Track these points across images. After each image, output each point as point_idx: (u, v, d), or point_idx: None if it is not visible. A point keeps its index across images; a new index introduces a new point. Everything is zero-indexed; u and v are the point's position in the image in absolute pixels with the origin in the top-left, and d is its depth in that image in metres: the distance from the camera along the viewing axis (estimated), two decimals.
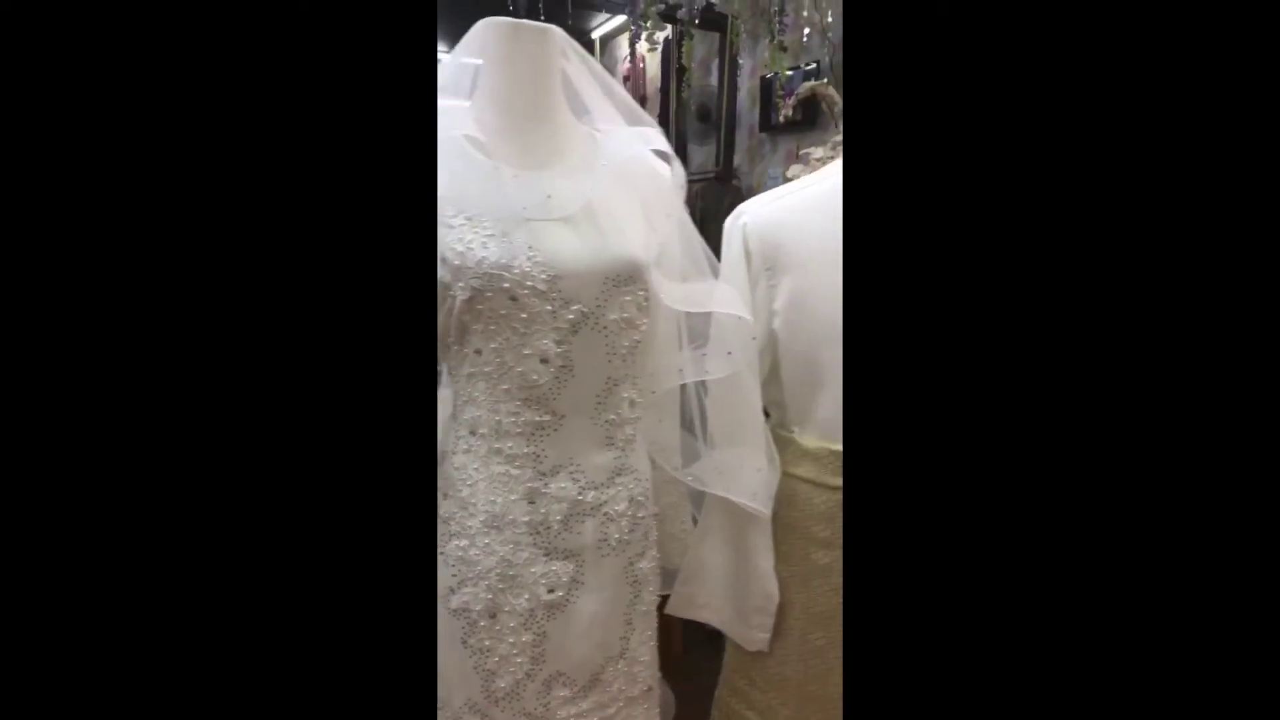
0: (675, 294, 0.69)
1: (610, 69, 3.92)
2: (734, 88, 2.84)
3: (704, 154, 3.04)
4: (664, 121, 3.21)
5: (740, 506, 0.79)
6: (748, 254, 0.78)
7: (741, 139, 2.85)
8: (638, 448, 0.72)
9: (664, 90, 3.22)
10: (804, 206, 0.79)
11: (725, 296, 0.72)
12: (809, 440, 0.80)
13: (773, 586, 0.82)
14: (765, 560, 0.82)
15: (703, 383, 0.79)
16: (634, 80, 3.59)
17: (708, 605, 0.86)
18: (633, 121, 0.72)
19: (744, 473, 0.77)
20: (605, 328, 0.65)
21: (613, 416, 0.69)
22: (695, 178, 2.67)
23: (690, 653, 1.10)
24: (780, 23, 2.26)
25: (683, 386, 0.79)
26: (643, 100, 3.57)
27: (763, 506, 0.77)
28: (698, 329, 0.76)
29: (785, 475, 0.82)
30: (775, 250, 0.77)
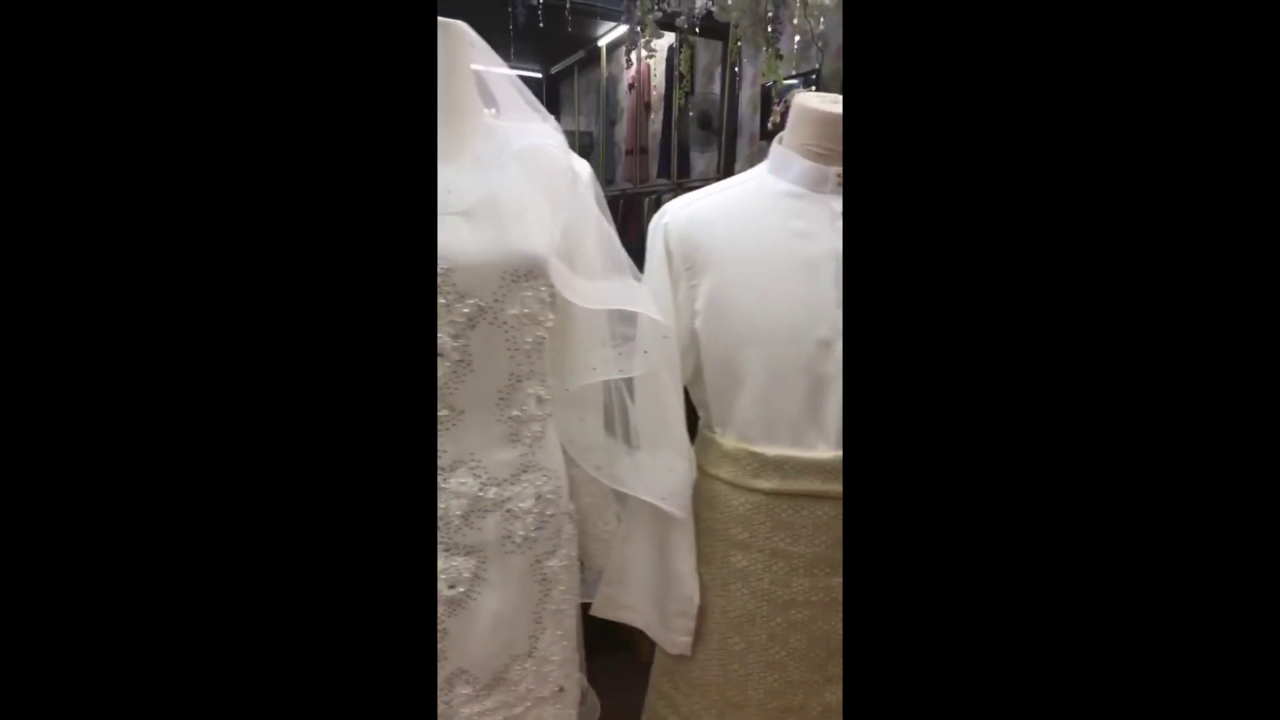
0: (581, 290, 0.69)
1: (617, 77, 3.94)
2: (735, 95, 2.84)
3: (706, 161, 3.05)
4: (666, 128, 3.23)
5: (644, 505, 0.78)
6: (669, 254, 0.78)
7: (743, 146, 2.85)
8: (548, 445, 0.72)
9: (667, 98, 3.24)
10: (724, 207, 0.79)
11: (634, 295, 0.72)
12: (729, 441, 0.79)
13: (692, 589, 0.81)
14: (685, 563, 0.81)
15: (628, 384, 0.79)
16: (638, 88, 3.60)
17: (632, 608, 0.86)
18: (539, 114, 0.72)
19: (661, 474, 0.77)
20: (505, 323, 0.65)
21: (517, 413, 0.69)
22: (697, 185, 2.67)
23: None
24: (775, 31, 2.26)
25: (608, 388, 0.79)
26: (646, 108, 3.59)
27: (677, 508, 0.76)
28: (624, 329, 0.76)
29: (706, 476, 0.81)
30: (694, 250, 0.77)
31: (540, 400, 0.71)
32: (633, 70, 3.52)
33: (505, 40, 2.83)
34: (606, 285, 0.72)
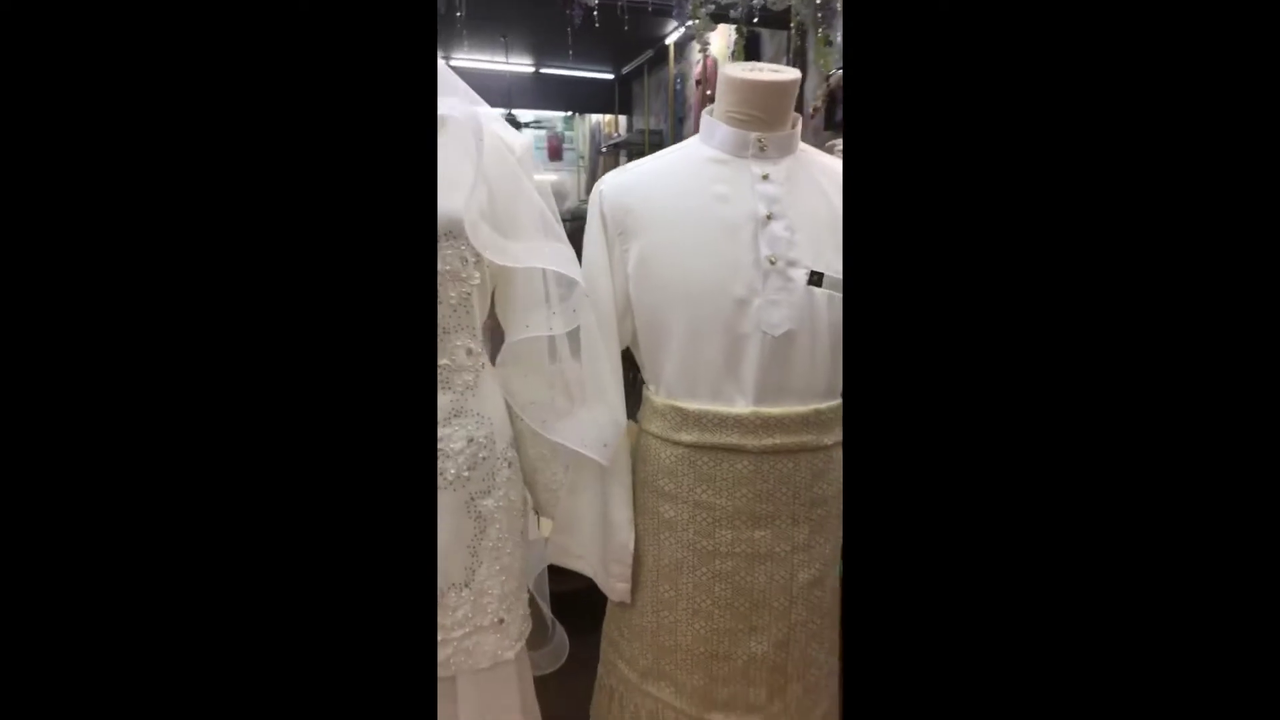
0: (503, 250, 0.75)
1: (686, 74, 3.99)
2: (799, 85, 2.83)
3: None
4: None
5: (588, 460, 0.84)
6: (603, 220, 0.83)
7: (807, 136, 2.83)
8: (482, 394, 0.79)
9: None
10: (654, 174, 0.83)
11: (555, 256, 0.78)
12: (659, 398, 0.83)
13: (627, 537, 0.86)
14: (620, 512, 0.86)
15: (572, 342, 0.84)
16: (704, 83, 3.63)
17: (581, 556, 0.91)
18: (475, 101, 0.79)
19: (590, 426, 0.82)
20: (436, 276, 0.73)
21: (447, 361, 0.76)
22: None
23: None
24: (826, 18, 2.24)
25: (553, 345, 0.85)
26: (710, 99, 3.61)
27: (602, 458, 0.81)
28: (563, 291, 0.82)
29: (643, 432, 0.86)
30: (625, 215, 0.82)
31: (470, 352, 0.78)
32: (699, 66, 3.56)
33: (563, 42, 2.94)
34: (529, 246, 0.78)
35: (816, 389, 0.80)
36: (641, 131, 4.34)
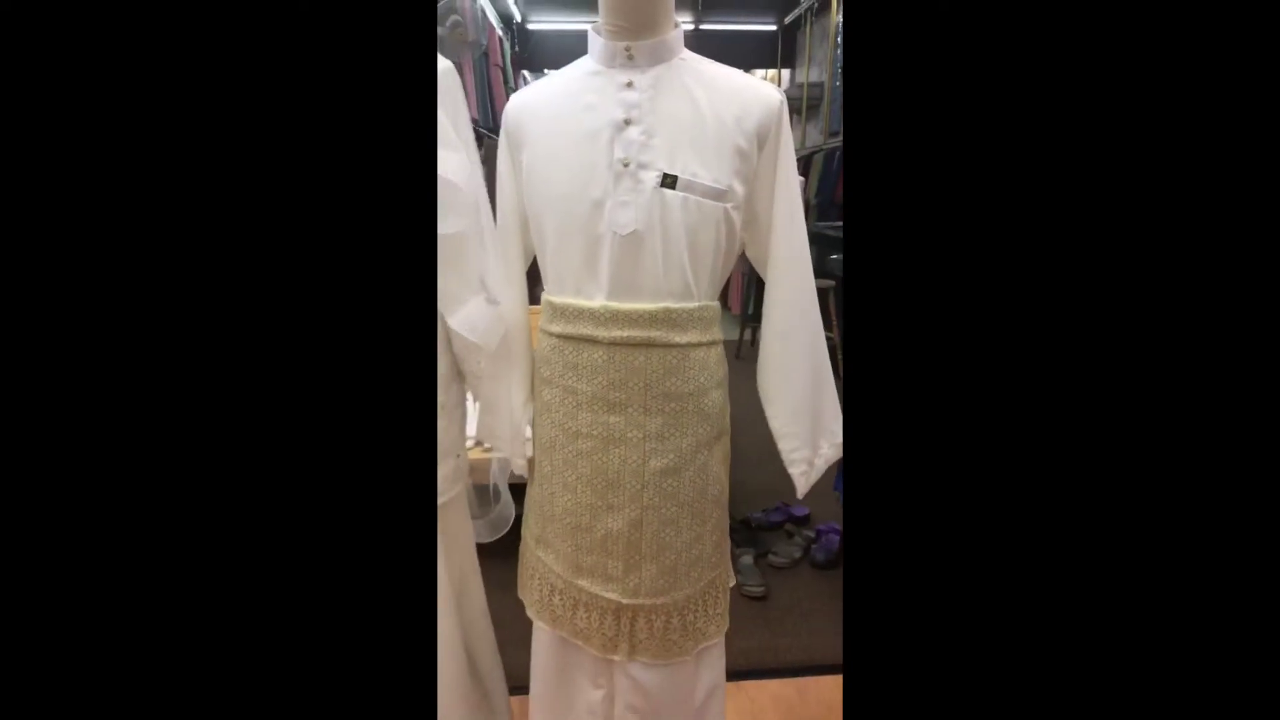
0: None
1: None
2: None
3: None
4: None
5: (504, 350, 0.96)
6: (506, 136, 0.94)
7: None
8: None
9: None
10: (543, 90, 0.92)
11: (444, 161, 0.90)
12: (544, 294, 0.93)
13: (520, 418, 0.98)
14: (516, 395, 0.98)
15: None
16: None
17: (501, 436, 1.05)
18: None
19: (476, 313, 0.94)
20: None
21: None
22: None
23: None
24: None
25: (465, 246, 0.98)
26: None
27: (475, 337, 0.93)
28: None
29: (541, 329, 0.97)
30: (518, 130, 0.92)
31: None
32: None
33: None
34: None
35: (669, 288, 0.85)
36: (801, 85, 4.20)
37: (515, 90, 5.07)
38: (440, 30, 3.49)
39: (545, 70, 5.65)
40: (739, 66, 0.97)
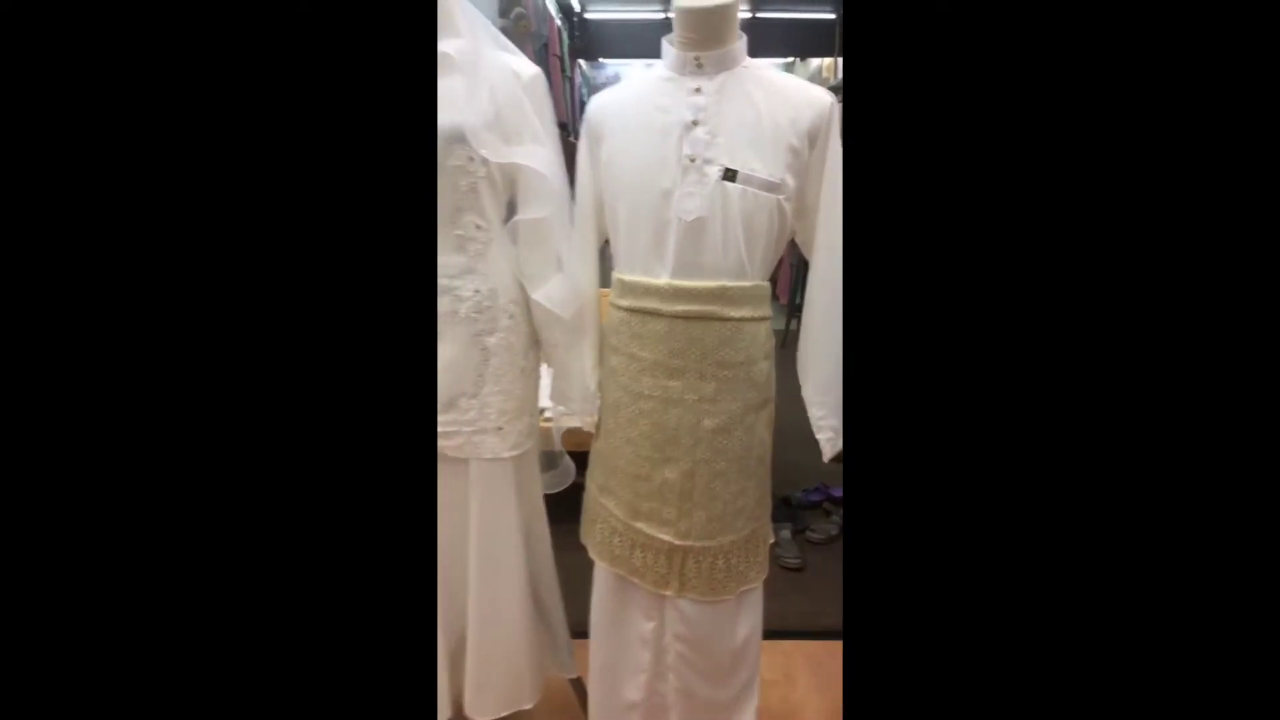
0: (496, 150, 1.03)
1: None
2: None
3: None
4: None
5: (578, 322, 1.10)
6: (588, 132, 1.07)
7: None
8: (489, 260, 1.10)
9: None
10: (621, 93, 1.04)
11: (534, 155, 1.04)
12: (615, 272, 1.06)
13: (591, 381, 1.11)
14: (586, 361, 1.12)
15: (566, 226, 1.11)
16: None
17: (573, 398, 1.19)
18: (501, 45, 1.08)
19: (556, 289, 1.08)
20: (447, 170, 1.04)
21: (460, 232, 1.08)
22: None
23: None
24: None
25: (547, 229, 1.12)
26: None
27: (555, 307, 1.07)
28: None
29: (612, 303, 1.10)
30: (599, 127, 1.05)
31: (479, 227, 1.08)
32: None
33: None
34: (523, 149, 1.05)
35: (726, 269, 0.97)
36: None
37: (570, 78, 5.12)
38: (504, 23, 3.64)
39: (600, 59, 5.77)
40: (795, 55, 1.07)
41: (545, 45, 4.32)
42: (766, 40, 4.71)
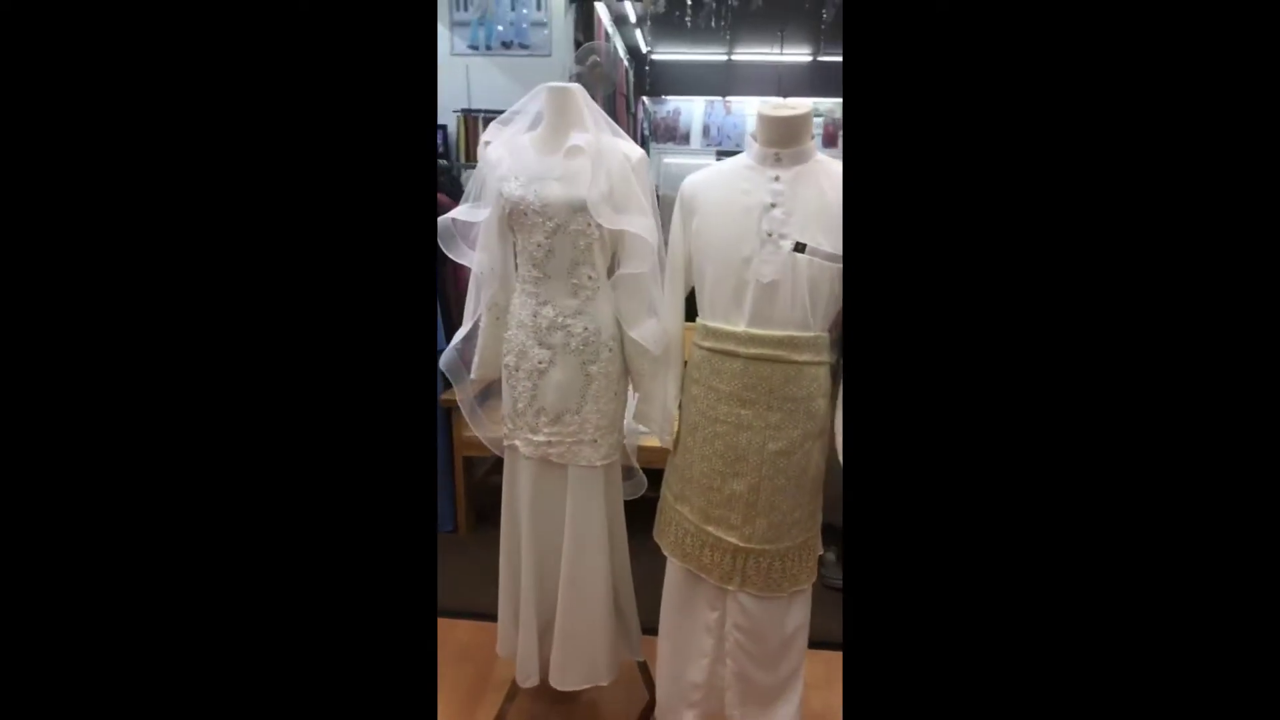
0: (609, 218, 1.28)
1: None
2: None
3: None
4: None
5: (664, 356, 1.34)
6: (681, 203, 1.32)
7: None
8: (597, 304, 1.34)
9: None
10: (712, 175, 1.29)
11: (637, 223, 1.29)
12: (699, 318, 1.30)
13: (672, 405, 1.35)
14: (670, 389, 1.35)
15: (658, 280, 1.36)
16: None
17: (653, 419, 1.42)
18: (616, 134, 1.33)
19: (649, 330, 1.32)
20: (570, 232, 1.30)
21: (576, 280, 1.33)
22: None
23: None
24: None
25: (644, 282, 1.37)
26: None
27: (650, 346, 1.31)
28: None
29: (695, 343, 1.34)
30: (692, 200, 1.29)
31: (590, 277, 1.33)
32: None
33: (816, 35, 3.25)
34: (628, 218, 1.30)
35: (793, 321, 1.19)
36: None
37: (634, 113, 5.38)
38: (579, 69, 3.96)
39: (664, 96, 6.09)
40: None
41: (614, 85, 4.64)
42: (826, 82, 4.93)
